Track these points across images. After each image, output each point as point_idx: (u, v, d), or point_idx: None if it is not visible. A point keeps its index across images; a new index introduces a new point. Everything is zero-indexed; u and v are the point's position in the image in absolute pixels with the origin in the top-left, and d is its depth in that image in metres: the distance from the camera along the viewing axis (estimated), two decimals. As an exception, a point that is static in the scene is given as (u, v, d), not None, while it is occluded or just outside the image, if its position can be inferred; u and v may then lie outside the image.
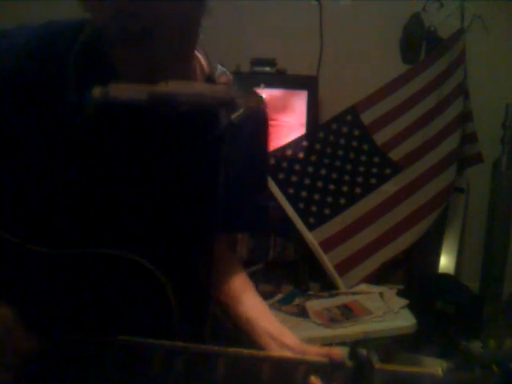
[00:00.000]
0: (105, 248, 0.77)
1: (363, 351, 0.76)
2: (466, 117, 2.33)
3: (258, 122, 0.92)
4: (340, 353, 0.75)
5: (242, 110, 0.79)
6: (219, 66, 0.89)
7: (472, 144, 2.37)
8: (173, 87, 0.71)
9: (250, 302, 0.93)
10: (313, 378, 0.73)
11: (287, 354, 0.83)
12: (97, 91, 0.68)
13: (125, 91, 0.69)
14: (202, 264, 0.91)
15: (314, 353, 0.77)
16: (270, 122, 0.97)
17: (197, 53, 0.86)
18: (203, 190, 0.85)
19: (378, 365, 0.75)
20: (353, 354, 0.76)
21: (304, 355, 0.78)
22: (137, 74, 0.72)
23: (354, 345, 0.78)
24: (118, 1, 0.67)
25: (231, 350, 0.75)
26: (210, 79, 0.86)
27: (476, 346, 2.02)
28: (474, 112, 2.36)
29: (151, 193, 0.83)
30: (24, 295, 0.77)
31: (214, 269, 0.97)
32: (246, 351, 0.75)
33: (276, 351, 0.85)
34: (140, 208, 0.83)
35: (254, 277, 2.19)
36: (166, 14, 0.69)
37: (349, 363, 0.75)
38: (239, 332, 0.91)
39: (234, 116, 0.79)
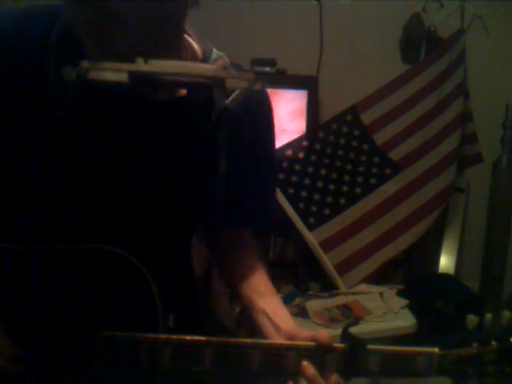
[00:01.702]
0: (94, 243, 0.75)
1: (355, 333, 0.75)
2: (466, 117, 2.33)
3: (258, 108, 0.88)
4: (327, 335, 0.75)
5: (236, 93, 0.77)
6: (214, 50, 0.86)
7: (472, 144, 2.37)
8: (153, 66, 0.67)
9: (254, 282, 0.93)
10: (304, 363, 0.73)
11: (277, 337, 0.82)
12: (69, 72, 0.65)
13: (100, 71, 0.65)
14: (191, 257, 0.90)
15: (303, 337, 0.77)
16: (272, 109, 0.92)
17: (187, 37, 0.83)
18: (195, 181, 0.83)
19: (370, 346, 0.76)
20: (345, 336, 0.75)
21: (293, 340, 0.78)
22: (113, 56, 0.68)
23: (346, 326, 0.78)
24: None
25: (217, 339, 0.74)
26: (203, 63, 0.82)
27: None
28: (474, 112, 2.36)
29: (139, 184, 0.81)
30: (3, 294, 0.75)
31: (211, 261, 0.97)
32: (232, 339, 0.74)
33: (269, 331, 0.85)
34: (127, 200, 0.80)
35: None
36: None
37: (341, 346, 0.74)
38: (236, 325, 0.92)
39: (228, 100, 0.76)
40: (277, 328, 0.84)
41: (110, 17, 0.65)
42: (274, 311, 0.87)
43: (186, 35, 0.82)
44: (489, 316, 2.09)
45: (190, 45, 0.83)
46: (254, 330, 0.88)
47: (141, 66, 0.67)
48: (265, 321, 0.86)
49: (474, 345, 0.75)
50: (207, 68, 0.74)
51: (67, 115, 0.73)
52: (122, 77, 0.66)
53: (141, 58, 0.67)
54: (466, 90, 2.32)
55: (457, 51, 2.31)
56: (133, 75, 0.66)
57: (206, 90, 0.77)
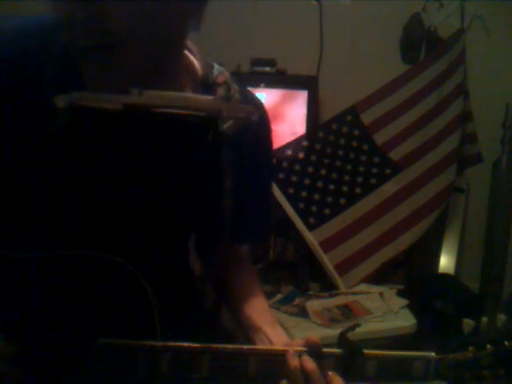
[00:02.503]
0: (94, 251, 0.75)
1: (352, 338, 0.76)
2: (465, 117, 2.33)
3: (258, 132, 0.88)
4: (315, 339, 0.76)
5: (230, 121, 0.77)
6: (216, 66, 0.86)
7: (472, 144, 2.37)
8: (148, 98, 0.67)
9: (251, 300, 0.94)
10: (304, 357, 0.74)
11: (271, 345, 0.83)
12: (60, 100, 0.65)
13: (92, 101, 0.66)
14: (188, 267, 0.91)
15: (295, 344, 0.77)
16: (272, 132, 0.94)
17: (188, 54, 0.82)
18: (196, 192, 0.84)
19: (367, 351, 0.76)
20: (342, 341, 0.76)
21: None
22: (110, 84, 0.69)
23: (343, 331, 0.77)
24: (88, 8, 0.63)
25: (215, 345, 0.74)
26: (204, 81, 0.83)
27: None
28: (474, 112, 2.36)
29: (138, 194, 0.80)
30: (2, 301, 0.75)
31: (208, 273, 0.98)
32: (230, 346, 0.75)
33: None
34: (128, 209, 0.80)
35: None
36: (141, 26, 0.66)
37: (336, 351, 0.75)
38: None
39: (225, 126, 0.77)
40: (272, 344, 0.85)
41: (111, 41, 0.65)
42: (271, 329, 0.89)
43: (186, 51, 0.82)
44: (484, 320, 2.10)
45: (190, 62, 0.83)
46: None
47: (135, 98, 0.66)
48: (262, 338, 0.87)
49: (470, 349, 0.76)
50: (204, 100, 0.74)
51: (59, 132, 0.72)
52: (117, 106, 0.66)
53: (136, 89, 0.67)
54: (466, 89, 2.32)
55: (457, 51, 2.31)
56: (127, 106, 0.66)
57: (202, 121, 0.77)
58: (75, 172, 0.76)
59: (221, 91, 0.82)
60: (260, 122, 0.88)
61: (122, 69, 0.69)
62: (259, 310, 0.93)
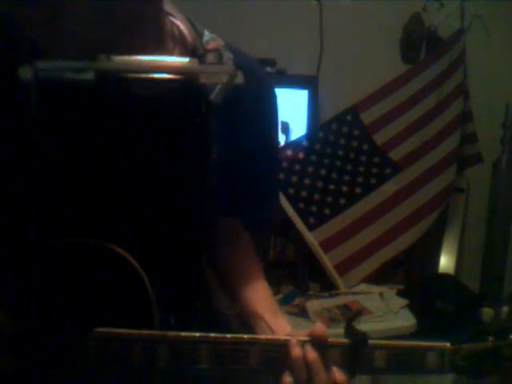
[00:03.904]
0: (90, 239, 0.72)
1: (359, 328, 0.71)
2: (465, 117, 2.33)
3: (255, 101, 0.82)
4: (322, 327, 0.72)
5: (217, 88, 0.72)
6: (206, 32, 0.80)
7: (472, 144, 2.37)
8: (118, 63, 0.62)
9: (251, 283, 0.89)
10: (307, 347, 0.71)
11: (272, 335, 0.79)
12: (24, 71, 0.61)
13: (59, 70, 0.61)
14: (187, 253, 0.85)
15: (300, 335, 0.74)
16: (276, 105, 0.87)
17: (174, 19, 0.77)
18: (187, 173, 0.79)
19: (376, 341, 0.71)
20: (348, 331, 0.72)
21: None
22: (74, 54, 0.64)
23: (349, 321, 0.74)
24: None
25: (214, 335, 0.71)
26: (194, 48, 0.77)
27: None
28: (474, 112, 2.36)
29: (130, 180, 0.77)
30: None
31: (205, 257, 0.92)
32: (229, 336, 0.71)
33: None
34: (120, 196, 0.77)
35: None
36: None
37: (343, 341, 0.71)
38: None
39: (212, 95, 0.72)
40: (274, 333, 0.81)
41: (59, 12, 0.61)
42: (272, 317, 0.84)
43: (171, 17, 0.76)
44: (506, 308, 2.06)
45: (177, 28, 0.77)
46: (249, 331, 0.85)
47: (103, 63, 0.62)
48: (263, 326, 0.83)
49: (490, 338, 0.70)
50: (178, 62, 0.68)
51: (51, 112, 0.69)
52: (88, 75, 0.61)
53: (103, 54, 0.62)
54: (465, 89, 2.32)
55: (457, 51, 2.31)
56: (99, 74, 0.61)
57: (180, 85, 0.71)
58: (59, 154, 0.73)
59: (211, 58, 0.77)
60: (258, 91, 0.82)
61: (78, 40, 0.64)
62: (259, 296, 0.88)
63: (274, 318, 0.84)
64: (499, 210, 2.40)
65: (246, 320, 0.86)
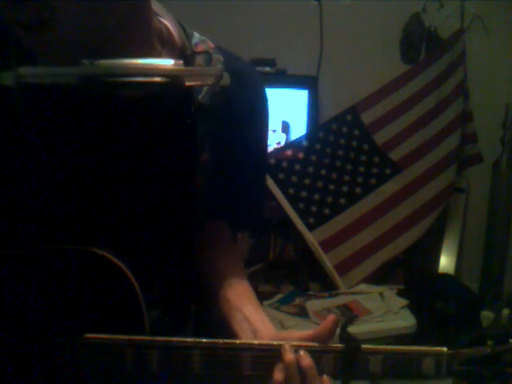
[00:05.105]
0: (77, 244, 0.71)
1: (352, 333, 0.70)
2: (465, 117, 2.33)
3: (243, 103, 0.81)
4: (334, 318, 0.71)
5: (204, 90, 0.72)
6: (196, 34, 0.79)
7: (472, 144, 2.37)
8: (102, 67, 0.61)
9: (231, 283, 0.87)
10: (301, 352, 0.69)
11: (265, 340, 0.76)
12: (6, 77, 0.60)
13: (41, 76, 0.61)
14: (178, 256, 0.84)
15: (295, 338, 0.73)
16: (267, 110, 0.86)
17: (163, 20, 0.76)
18: (175, 180, 0.79)
19: (371, 346, 0.70)
20: (343, 336, 0.71)
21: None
22: (58, 59, 0.63)
23: (343, 327, 0.73)
24: None
25: (206, 340, 0.70)
26: (183, 48, 0.76)
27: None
28: (474, 112, 2.36)
29: (118, 182, 0.76)
30: None
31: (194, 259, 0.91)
32: (221, 341, 0.70)
33: (247, 337, 0.78)
34: (108, 199, 0.76)
35: (254, 277, 2.20)
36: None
37: (337, 346, 0.70)
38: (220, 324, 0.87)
39: (200, 96, 0.72)
40: (255, 333, 0.78)
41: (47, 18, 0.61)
42: (251, 309, 0.81)
43: (159, 18, 0.75)
44: (506, 312, 2.05)
45: (166, 27, 0.76)
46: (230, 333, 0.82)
47: (87, 68, 0.61)
48: (239, 318, 0.80)
49: (489, 343, 0.69)
50: (163, 66, 0.67)
51: (37, 117, 0.69)
52: (71, 79, 0.61)
53: (86, 59, 0.62)
54: (465, 89, 2.32)
55: (457, 51, 2.31)
56: (82, 79, 0.61)
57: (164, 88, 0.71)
58: (45, 158, 0.72)
59: (199, 60, 0.76)
60: (248, 93, 0.82)
61: (67, 43, 0.63)
62: (238, 292, 0.85)
63: (253, 310, 0.81)
64: (499, 209, 2.40)
65: (224, 316, 0.83)
